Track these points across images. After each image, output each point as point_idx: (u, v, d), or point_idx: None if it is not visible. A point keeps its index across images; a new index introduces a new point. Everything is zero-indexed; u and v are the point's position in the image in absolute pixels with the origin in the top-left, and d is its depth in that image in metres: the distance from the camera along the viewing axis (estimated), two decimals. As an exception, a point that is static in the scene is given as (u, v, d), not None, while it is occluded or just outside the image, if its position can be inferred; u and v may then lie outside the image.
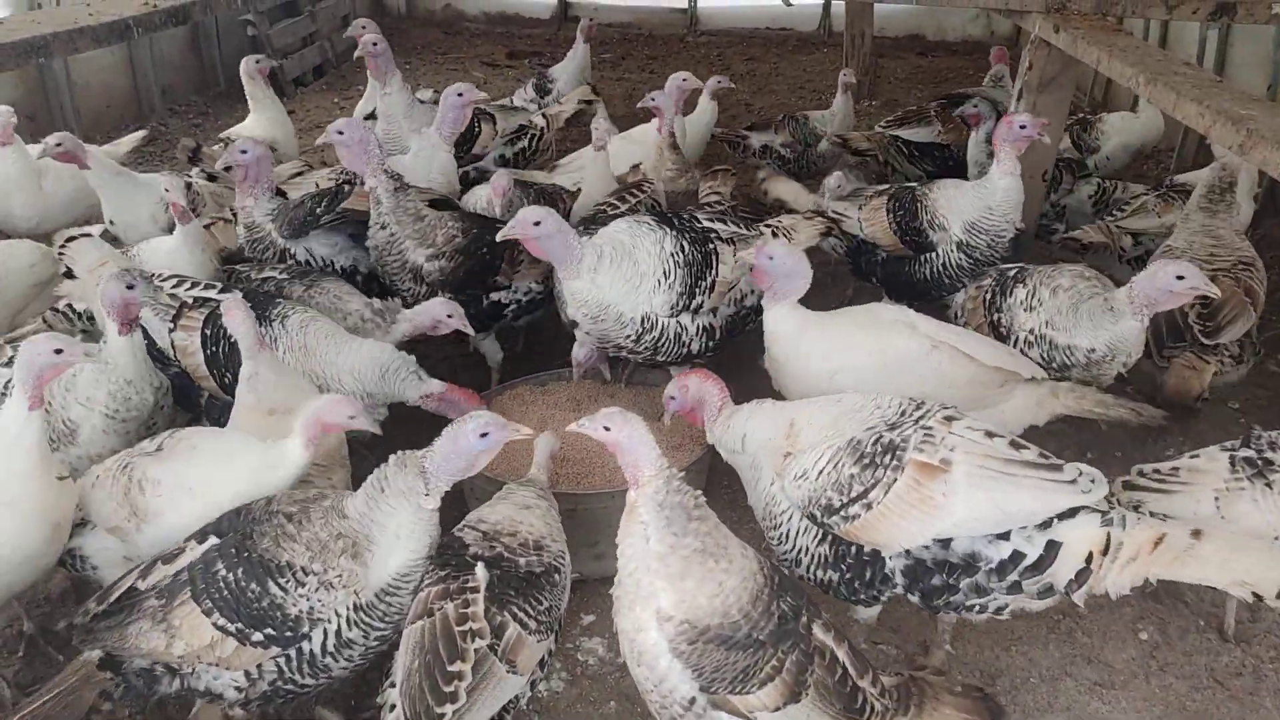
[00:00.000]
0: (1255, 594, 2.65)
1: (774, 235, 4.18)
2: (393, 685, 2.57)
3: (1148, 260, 4.73)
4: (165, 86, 8.51)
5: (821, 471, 2.88)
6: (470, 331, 4.00)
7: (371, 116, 5.52)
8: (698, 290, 3.87)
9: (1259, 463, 3.13)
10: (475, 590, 2.59)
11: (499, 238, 3.80)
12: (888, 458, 2.83)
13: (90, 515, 3.06)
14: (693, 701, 2.48)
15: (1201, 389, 4.01)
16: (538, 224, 3.67)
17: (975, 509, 2.76)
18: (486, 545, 2.77)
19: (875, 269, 4.69)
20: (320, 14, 9.84)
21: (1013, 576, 2.81)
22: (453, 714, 2.45)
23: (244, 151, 4.29)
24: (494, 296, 4.33)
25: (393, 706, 2.53)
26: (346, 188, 4.43)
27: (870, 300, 4.18)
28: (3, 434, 2.85)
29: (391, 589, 2.69)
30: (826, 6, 11.04)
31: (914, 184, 4.71)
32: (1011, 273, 4.05)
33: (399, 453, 2.76)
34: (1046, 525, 2.78)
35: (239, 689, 2.67)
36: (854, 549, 2.90)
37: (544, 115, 6.15)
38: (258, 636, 2.59)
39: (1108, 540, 2.75)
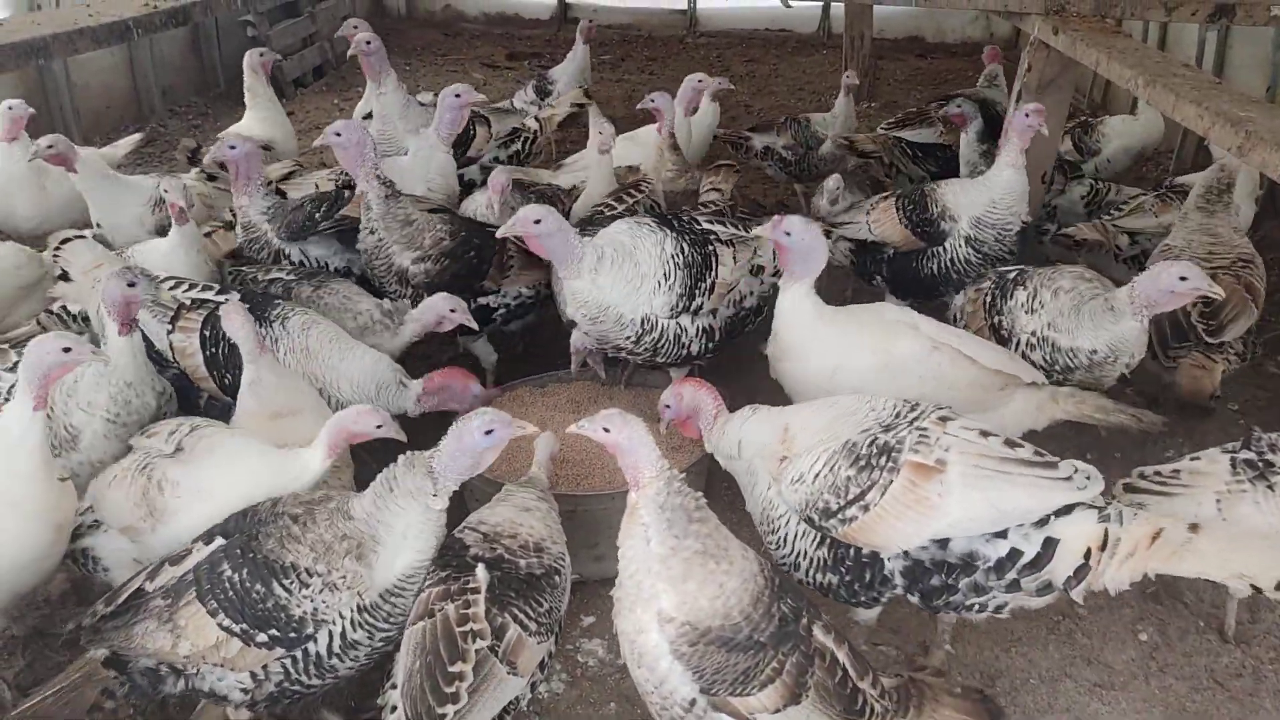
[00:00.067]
0: (1254, 586, 2.66)
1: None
2: (394, 686, 2.58)
3: (1145, 259, 4.75)
4: (165, 87, 8.50)
5: (818, 475, 2.88)
6: (474, 325, 4.01)
7: (370, 117, 5.51)
8: (697, 292, 3.87)
9: (1260, 465, 3.13)
10: (476, 591, 2.59)
11: (499, 234, 3.80)
12: (883, 459, 2.83)
13: (103, 515, 3.06)
14: (693, 703, 2.48)
15: (1214, 387, 4.00)
16: (538, 222, 3.67)
17: (971, 508, 2.76)
18: (487, 547, 2.77)
19: (880, 267, 4.70)
20: (320, 15, 9.82)
21: (1011, 575, 2.81)
22: (454, 715, 2.46)
23: (232, 147, 4.29)
24: (482, 300, 4.32)
25: (394, 707, 2.53)
26: (346, 193, 4.42)
27: (870, 300, 4.17)
28: (6, 435, 2.85)
29: (397, 590, 2.70)
30: (826, 8, 11.03)
31: (918, 185, 4.72)
32: (1011, 275, 4.03)
33: (407, 453, 2.77)
34: (1043, 522, 2.79)
35: (245, 690, 2.67)
36: (852, 551, 2.90)
37: (536, 118, 6.14)
38: (262, 638, 2.60)
39: (1105, 536, 2.75)
